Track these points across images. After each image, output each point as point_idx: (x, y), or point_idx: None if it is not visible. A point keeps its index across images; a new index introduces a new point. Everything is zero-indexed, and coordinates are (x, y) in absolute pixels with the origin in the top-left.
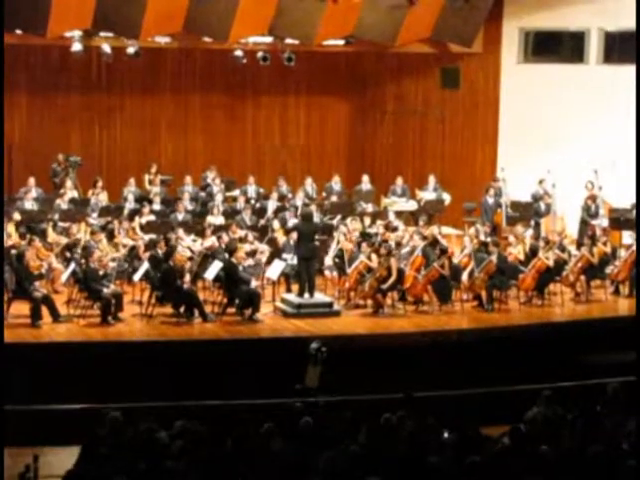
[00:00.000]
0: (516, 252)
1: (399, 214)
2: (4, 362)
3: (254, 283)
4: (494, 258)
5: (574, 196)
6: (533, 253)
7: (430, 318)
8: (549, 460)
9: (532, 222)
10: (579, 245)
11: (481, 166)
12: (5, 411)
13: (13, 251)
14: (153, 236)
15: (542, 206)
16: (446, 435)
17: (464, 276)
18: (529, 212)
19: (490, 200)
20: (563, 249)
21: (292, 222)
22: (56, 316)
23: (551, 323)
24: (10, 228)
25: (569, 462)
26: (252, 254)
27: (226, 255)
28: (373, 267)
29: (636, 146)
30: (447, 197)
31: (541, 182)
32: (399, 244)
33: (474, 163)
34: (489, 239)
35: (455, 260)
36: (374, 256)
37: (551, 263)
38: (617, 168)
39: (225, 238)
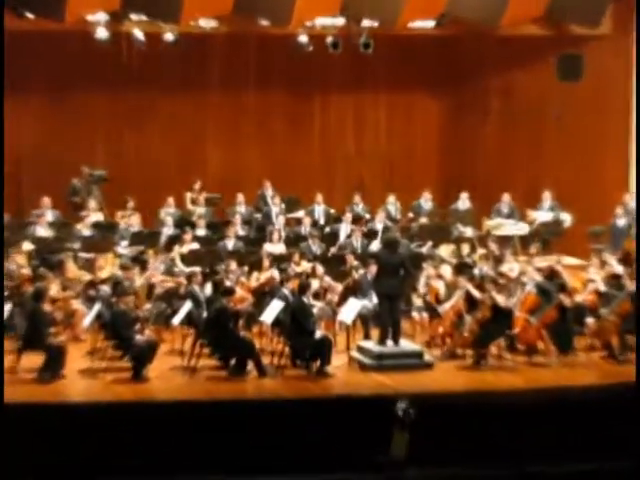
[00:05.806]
0: None
1: (506, 240)
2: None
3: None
4: (628, 295)
5: None
6: None
7: (546, 372)
8: None
9: None
10: None
11: (611, 179)
12: None
13: (28, 289)
14: (196, 269)
15: None
16: None
17: (590, 318)
18: None
19: (620, 223)
20: None
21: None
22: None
23: None
24: (21, 260)
25: None
26: (323, 293)
27: (299, 296)
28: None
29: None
30: (567, 218)
31: None
32: (507, 278)
33: (601, 175)
34: (622, 271)
35: (578, 298)
36: (475, 292)
37: None
38: None
39: (290, 272)
